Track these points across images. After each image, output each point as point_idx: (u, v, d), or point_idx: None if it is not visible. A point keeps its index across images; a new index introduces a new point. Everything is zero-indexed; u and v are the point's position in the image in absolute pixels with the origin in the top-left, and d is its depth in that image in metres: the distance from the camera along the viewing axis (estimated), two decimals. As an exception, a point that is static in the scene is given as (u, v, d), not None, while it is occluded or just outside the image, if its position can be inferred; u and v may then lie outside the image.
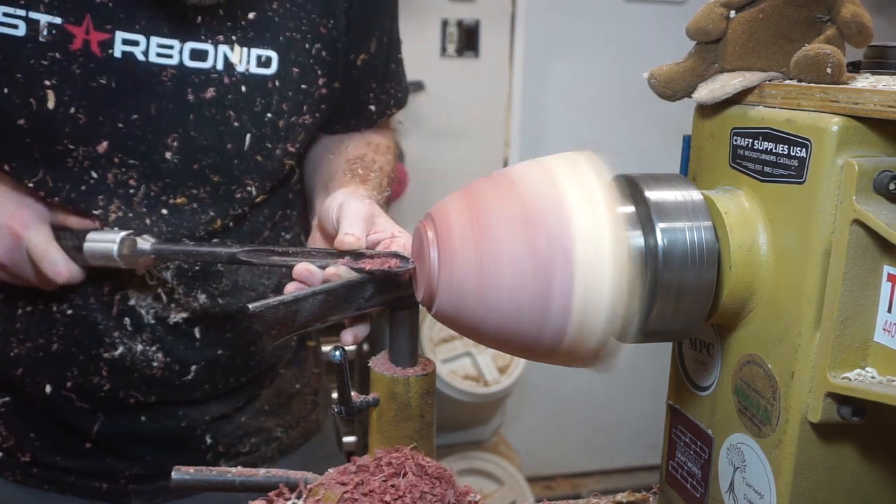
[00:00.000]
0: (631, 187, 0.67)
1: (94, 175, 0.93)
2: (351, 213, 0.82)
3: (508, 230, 0.60)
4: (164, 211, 0.96)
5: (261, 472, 0.77)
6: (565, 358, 0.63)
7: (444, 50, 2.78)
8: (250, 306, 0.72)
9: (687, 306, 0.65)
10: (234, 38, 0.94)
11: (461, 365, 2.68)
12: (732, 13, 0.68)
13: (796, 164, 0.62)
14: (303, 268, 0.78)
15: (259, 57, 0.95)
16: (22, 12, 0.88)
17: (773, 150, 0.64)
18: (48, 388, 1.00)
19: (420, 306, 0.73)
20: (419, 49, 2.71)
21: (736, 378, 0.69)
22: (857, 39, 0.65)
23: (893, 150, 0.60)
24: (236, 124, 0.96)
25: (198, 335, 1.02)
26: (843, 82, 0.62)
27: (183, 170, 0.95)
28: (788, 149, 0.63)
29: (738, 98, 0.69)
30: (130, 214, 0.95)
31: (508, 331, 0.62)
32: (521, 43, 2.85)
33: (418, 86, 2.69)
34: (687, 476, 0.77)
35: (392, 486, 0.67)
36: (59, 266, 0.91)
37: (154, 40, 0.91)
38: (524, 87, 2.90)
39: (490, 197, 0.63)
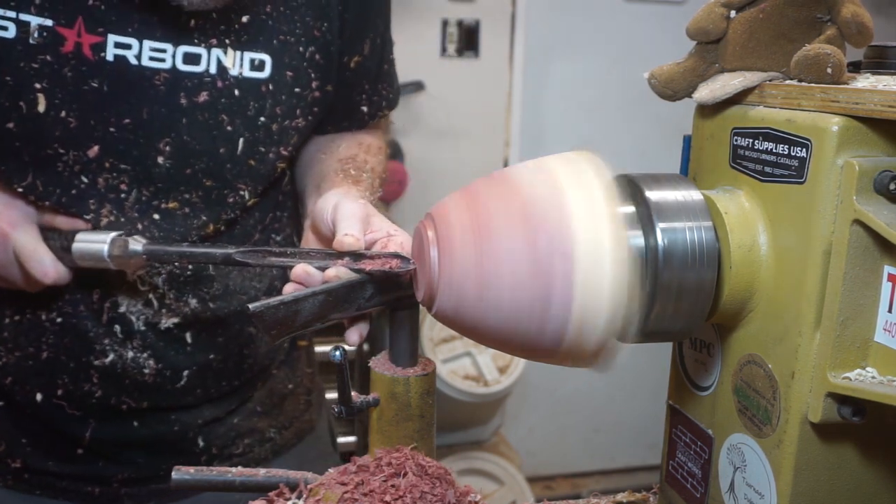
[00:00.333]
0: (631, 187, 0.67)
1: (85, 180, 0.91)
2: (347, 213, 0.81)
3: (508, 230, 0.60)
4: (156, 216, 0.95)
5: (261, 472, 0.77)
6: (565, 358, 0.63)
7: (444, 50, 2.78)
8: (251, 306, 0.72)
9: (687, 306, 0.65)
10: (227, 41, 0.93)
11: (461, 365, 2.67)
12: (733, 13, 0.68)
13: (796, 164, 0.62)
14: (301, 269, 0.77)
15: (252, 60, 0.94)
16: (12, 14, 0.86)
17: (774, 150, 0.64)
18: (39, 397, 0.99)
19: (420, 306, 0.72)
20: (419, 49, 2.71)
21: (736, 378, 0.69)
22: (858, 39, 0.65)
23: (894, 150, 0.60)
24: (229, 128, 0.95)
25: (189, 340, 1.01)
26: (844, 82, 0.62)
27: (175, 174, 0.94)
28: (789, 149, 0.63)
29: (738, 98, 0.69)
30: (122, 219, 0.93)
31: (508, 331, 0.62)
32: (521, 43, 2.85)
33: (418, 86, 2.69)
34: (687, 476, 0.77)
35: (392, 486, 0.67)
36: (47, 266, 0.88)
37: (147, 44, 0.89)
38: (524, 87, 2.90)
39: (490, 197, 0.63)
